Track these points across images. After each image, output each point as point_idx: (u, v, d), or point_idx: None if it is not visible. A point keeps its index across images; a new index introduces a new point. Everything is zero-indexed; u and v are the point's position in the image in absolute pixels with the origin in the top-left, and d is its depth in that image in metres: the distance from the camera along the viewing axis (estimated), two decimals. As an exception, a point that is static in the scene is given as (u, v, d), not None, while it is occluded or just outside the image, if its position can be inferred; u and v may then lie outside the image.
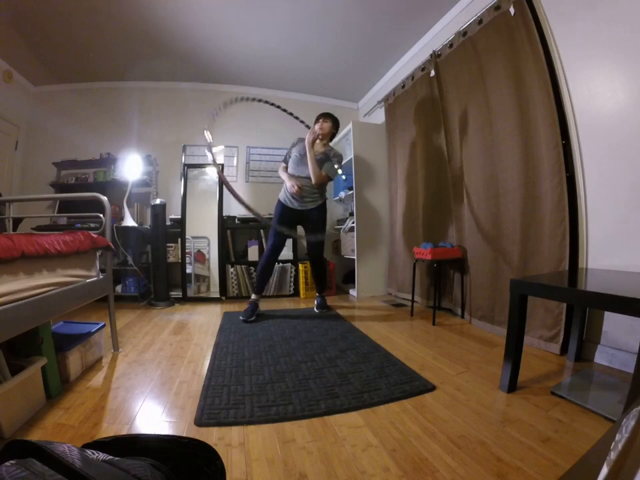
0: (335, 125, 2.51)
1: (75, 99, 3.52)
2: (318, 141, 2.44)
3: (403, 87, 2.93)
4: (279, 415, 1.10)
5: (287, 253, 3.25)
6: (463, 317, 2.29)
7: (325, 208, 2.53)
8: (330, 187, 4.02)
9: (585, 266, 1.58)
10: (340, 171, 2.42)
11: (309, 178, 2.38)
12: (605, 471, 0.30)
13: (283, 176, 2.50)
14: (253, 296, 2.47)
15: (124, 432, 1.01)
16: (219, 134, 3.66)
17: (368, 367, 1.48)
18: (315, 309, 2.61)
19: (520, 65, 1.81)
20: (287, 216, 2.47)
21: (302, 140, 2.45)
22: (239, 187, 3.78)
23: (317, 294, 2.72)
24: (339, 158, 2.45)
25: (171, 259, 3.14)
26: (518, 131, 1.84)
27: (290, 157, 2.52)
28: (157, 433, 1.01)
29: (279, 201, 2.52)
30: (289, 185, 2.39)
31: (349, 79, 3.60)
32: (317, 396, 1.22)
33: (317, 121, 2.49)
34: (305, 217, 2.48)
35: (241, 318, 2.30)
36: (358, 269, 3.14)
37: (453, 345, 1.79)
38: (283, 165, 2.58)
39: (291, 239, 3.34)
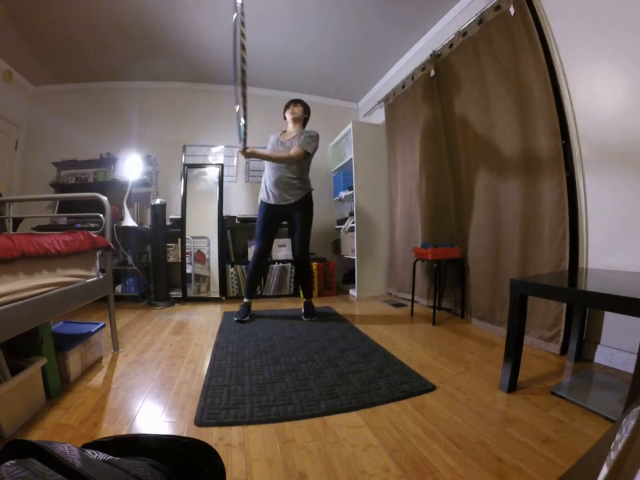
0: (306, 110, 2.42)
1: (75, 99, 3.51)
2: (291, 126, 2.38)
3: (403, 86, 2.93)
4: (279, 415, 1.10)
5: (287, 253, 3.25)
6: (463, 317, 2.29)
7: (309, 200, 2.36)
8: (330, 186, 4.02)
9: (585, 266, 1.58)
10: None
11: (287, 168, 2.26)
12: (604, 471, 0.30)
13: (264, 151, 2.30)
14: (245, 299, 2.46)
15: (124, 432, 1.01)
16: (219, 134, 3.67)
17: (368, 367, 1.48)
18: (303, 317, 2.38)
19: (520, 64, 1.81)
20: (271, 214, 2.36)
21: (274, 134, 2.44)
22: (239, 186, 3.79)
23: (304, 300, 2.49)
24: (314, 136, 2.29)
25: (171, 259, 3.14)
26: (518, 131, 1.84)
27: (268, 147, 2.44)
28: (156, 433, 1.01)
29: (260, 201, 2.42)
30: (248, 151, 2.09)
31: (349, 79, 3.60)
32: (317, 396, 1.22)
33: (287, 107, 2.40)
34: (287, 213, 2.35)
35: (235, 319, 2.30)
36: (358, 268, 3.14)
37: (452, 344, 1.79)
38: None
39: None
